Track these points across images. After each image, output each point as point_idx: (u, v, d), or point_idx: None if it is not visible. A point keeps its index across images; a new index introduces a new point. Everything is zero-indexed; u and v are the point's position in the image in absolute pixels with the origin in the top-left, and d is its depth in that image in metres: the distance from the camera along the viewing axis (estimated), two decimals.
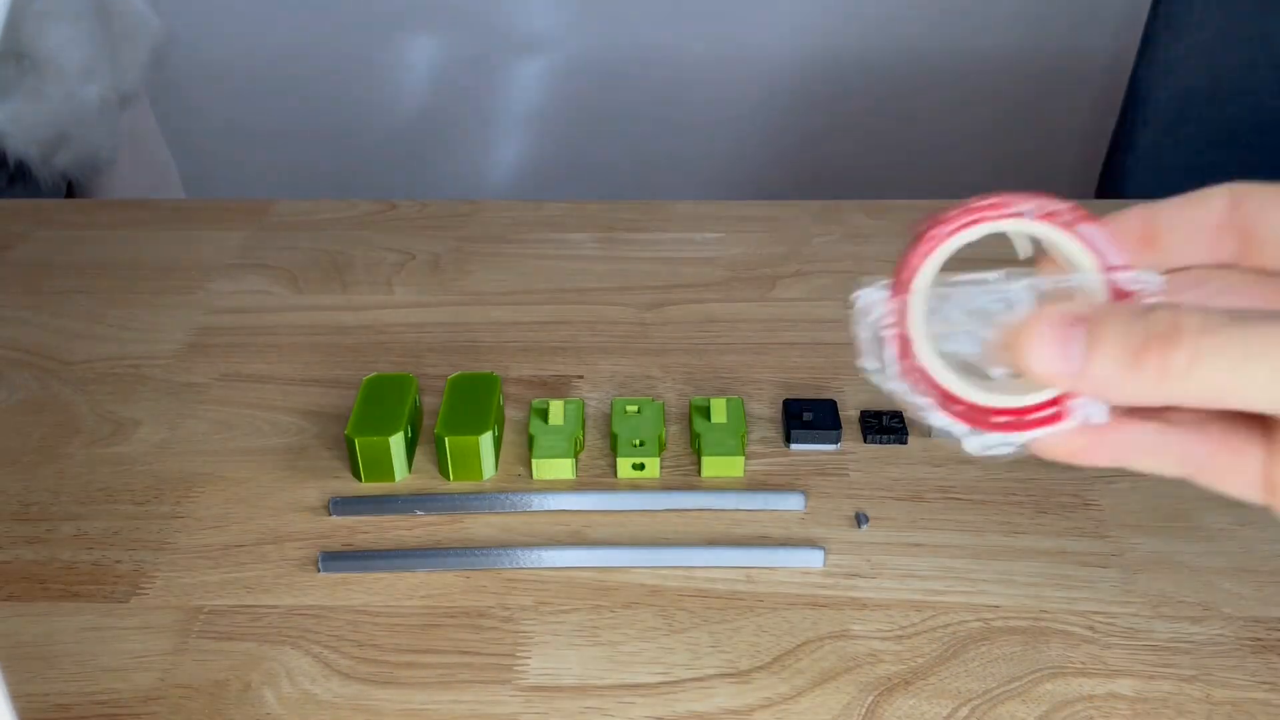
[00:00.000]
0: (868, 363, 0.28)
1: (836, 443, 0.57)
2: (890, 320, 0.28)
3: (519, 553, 0.50)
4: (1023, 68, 1.44)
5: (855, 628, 0.47)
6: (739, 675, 0.45)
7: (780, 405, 0.59)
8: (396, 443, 0.54)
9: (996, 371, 0.28)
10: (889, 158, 1.52)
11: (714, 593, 0.48)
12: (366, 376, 0.58)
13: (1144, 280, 0.27)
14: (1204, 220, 0.27)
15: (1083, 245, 0.28)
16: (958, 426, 0.28)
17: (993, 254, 0.29)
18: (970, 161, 1.52)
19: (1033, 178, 1.51)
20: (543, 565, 0.50)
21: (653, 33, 1.44)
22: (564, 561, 0.50)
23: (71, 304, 0.70)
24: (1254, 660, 0.45)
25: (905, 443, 0.57)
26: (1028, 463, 0.56)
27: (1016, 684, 0.44)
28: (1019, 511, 0.53)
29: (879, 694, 0.44)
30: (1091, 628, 0.46)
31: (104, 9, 1.00)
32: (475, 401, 0.56)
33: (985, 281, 0.28)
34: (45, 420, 0.60)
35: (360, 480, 0.55)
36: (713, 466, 0.55)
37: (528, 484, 0.55)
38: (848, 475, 0.55)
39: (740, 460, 0.54)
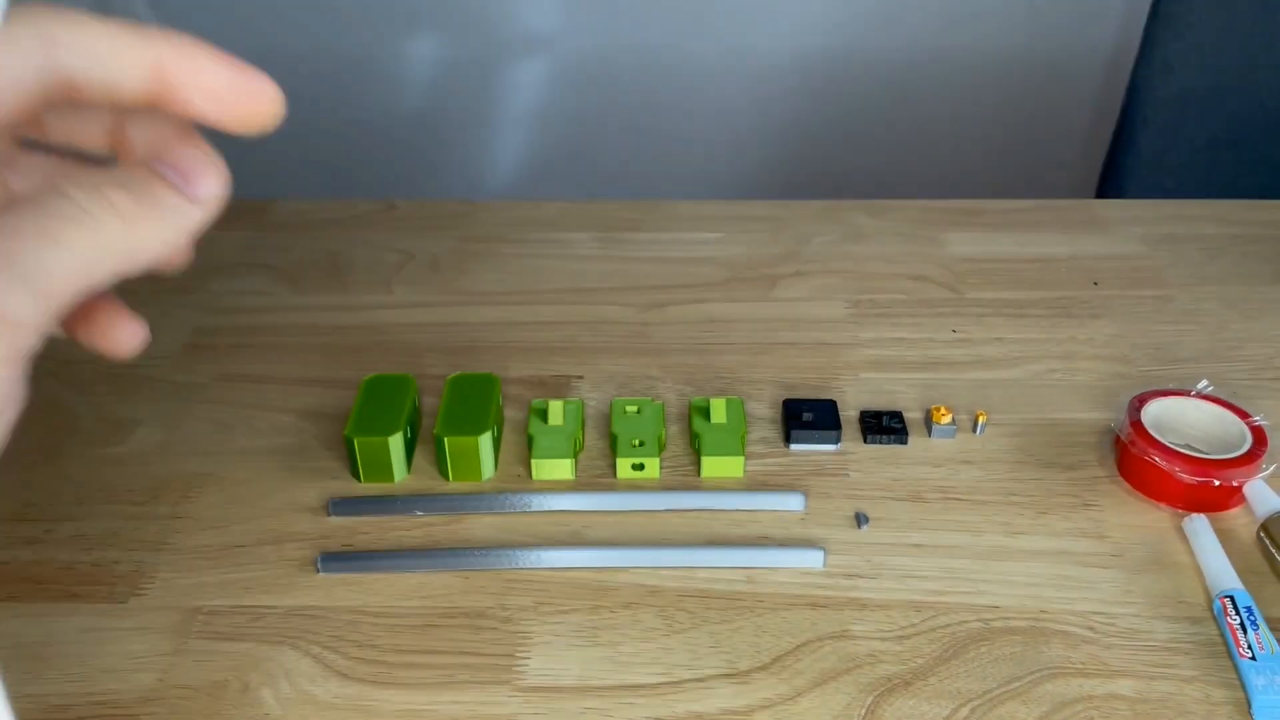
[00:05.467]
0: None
1: (836, 443, 0.57)
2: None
3: (518, 553, 0.50)
4: (1023, 67, 1.44)
5: (855, 628, 0.47)
6: (739, 676, 0.44)
7: (780, 405, 0.59)
8: (395, 443, 0.54)
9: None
10: (889, 157, 1.52)
11: (714, 593, 0.48)
12: (366, 377, 0.58)
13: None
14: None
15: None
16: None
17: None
18: (970, 160, 1.52)
19: (1033, 177, 1.51)
20: (542, 566, 0.50)
21: (653, 33, 1.44)
22: (563, 562, 0.50)
23: None
24: None
25: (905, 443, 0.57)
26: (1028, 462, 0.56)
27: (1017, 684, 0.44)
28: (1019, 512, 0.53)
29: (879, 694, 0.43)
30: (1091, 628, 0.46)
31: (102, 9, 1.00)
32: (474, 402, 0.56)
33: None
34: (44, 420, 0.60)
35: (359, 481, 0.55)
36: (712, 467, 0.55)
37: (527, 484, 0.55)
38: (848, 475, 0.55)
39: (740, 460, 0.54)
